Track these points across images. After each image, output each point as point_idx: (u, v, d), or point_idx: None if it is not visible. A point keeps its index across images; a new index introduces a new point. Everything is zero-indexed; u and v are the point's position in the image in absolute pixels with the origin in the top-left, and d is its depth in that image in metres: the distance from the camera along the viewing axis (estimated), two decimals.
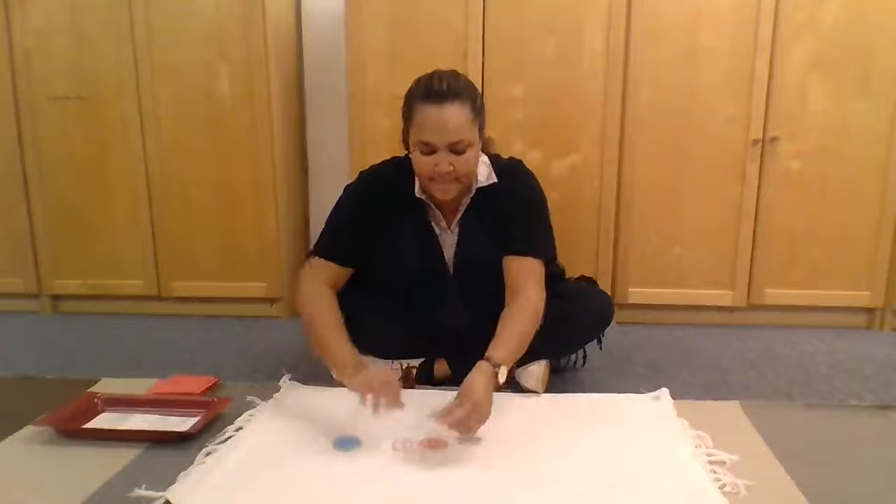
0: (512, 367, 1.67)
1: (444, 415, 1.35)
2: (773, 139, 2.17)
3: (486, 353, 1.47)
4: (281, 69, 2.34)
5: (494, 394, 1.50)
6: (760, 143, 2.17)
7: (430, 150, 1.50)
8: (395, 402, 1.38)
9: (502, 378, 1.46)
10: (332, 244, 1.66)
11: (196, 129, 2.32)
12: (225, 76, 2.27)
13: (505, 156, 1.71)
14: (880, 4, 2.08)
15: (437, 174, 1.51)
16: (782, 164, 2.19)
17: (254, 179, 2.33)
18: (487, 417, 1.39)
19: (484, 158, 1.64)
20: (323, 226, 1.70)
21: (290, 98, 2.47)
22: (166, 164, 2.35)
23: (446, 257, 1.68)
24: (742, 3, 2.10)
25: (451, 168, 1.50)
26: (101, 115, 2.33)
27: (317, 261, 1.65)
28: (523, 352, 1.54)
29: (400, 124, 1.58)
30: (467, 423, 1.35)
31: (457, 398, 1.39)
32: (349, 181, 1.73)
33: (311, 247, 1.72)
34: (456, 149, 1.49)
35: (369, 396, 1.37)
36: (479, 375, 1.42)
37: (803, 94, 2.14)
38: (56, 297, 2.54)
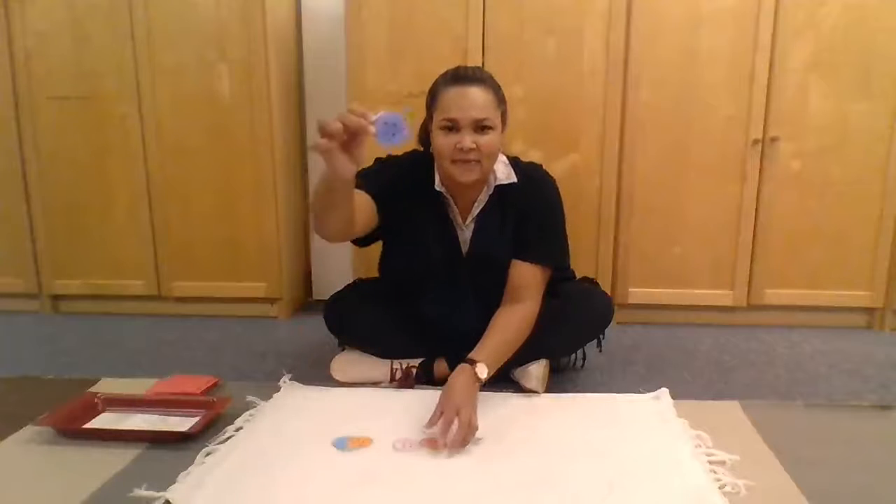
0: (512, 365, 1.68)
1: (431, 424, 1.38)
2: (773, 139, 2.17)
3: (469, 355, 1.50)
4: (281, 69, 2.34)
5: (495, 394, 1.51)
6: (760, 143, 2.17)
7: (454, 126, 1.49)
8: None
9: (483, 375, 1.47)
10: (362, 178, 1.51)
11: (196, 130, 2.32)
12: (225, 76, 2.27)
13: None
14: (880, 4, 2.08)
15: (459, 154, 1.50)
16: (782, 164, 2.19)
17: (254, 179, 2.33)
18: (472, 424, 1.37)
19: (503, 158, 1.64)
20: None
21: (290, 98, 2.47)
22: (166, 164, 2.35)
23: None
24: (742, 3, 2.10)
25: (475, 146, 1.49)
26: (101, 115, 2.33)
27: None
28: (507, 356, 1.56)
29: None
30: (459, 440, 1.35)
31: (437, 406, 1.42)
32: None
33: None
34: (480, 125, 1.49)
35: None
36: (458, 377, 1.45)
37: (803, 94, 2.14)
38: (56, 297, 2.54)
